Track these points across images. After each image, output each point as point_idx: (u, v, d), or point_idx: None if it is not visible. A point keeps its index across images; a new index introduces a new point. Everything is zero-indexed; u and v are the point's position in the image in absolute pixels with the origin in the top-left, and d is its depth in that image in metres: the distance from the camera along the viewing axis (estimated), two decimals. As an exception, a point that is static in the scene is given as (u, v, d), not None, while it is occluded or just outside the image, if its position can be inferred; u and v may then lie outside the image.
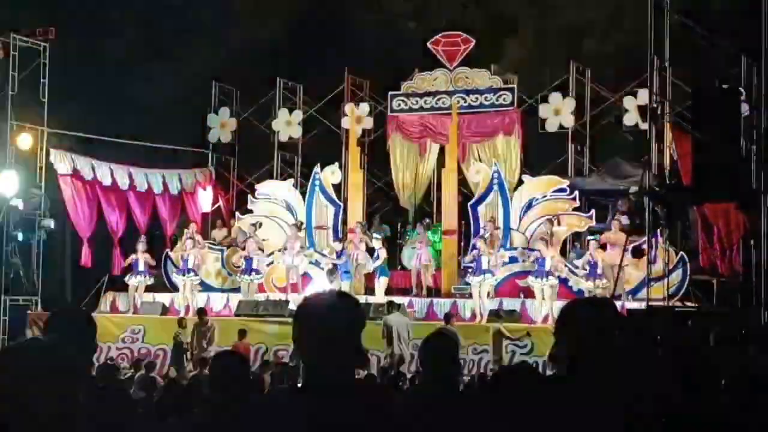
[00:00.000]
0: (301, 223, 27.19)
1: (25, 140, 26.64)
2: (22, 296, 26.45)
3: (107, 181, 27.83)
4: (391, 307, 22.51)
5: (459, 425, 4.46)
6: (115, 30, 29.14)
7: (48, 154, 26.96)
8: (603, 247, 23.92)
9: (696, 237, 23.51)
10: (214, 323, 23.27)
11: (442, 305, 24.27)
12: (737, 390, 5.76)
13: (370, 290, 25.84)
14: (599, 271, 23.44)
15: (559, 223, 25.15)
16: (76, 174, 27.14)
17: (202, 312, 23.74)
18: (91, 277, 27.55)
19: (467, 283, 24.94)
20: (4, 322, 25.88)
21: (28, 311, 25.92)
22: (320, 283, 25.77)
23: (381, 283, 25.57)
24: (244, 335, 22.55)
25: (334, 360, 3.77)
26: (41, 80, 27.24)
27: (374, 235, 26.24)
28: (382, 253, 25.93)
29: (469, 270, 24.71)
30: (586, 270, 23.86)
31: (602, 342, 4.46)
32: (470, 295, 24.62)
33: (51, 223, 27.02)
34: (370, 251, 25.87)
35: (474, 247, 24.87)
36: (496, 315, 23.07)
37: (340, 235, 27.36)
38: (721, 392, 5.80)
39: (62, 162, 26.97)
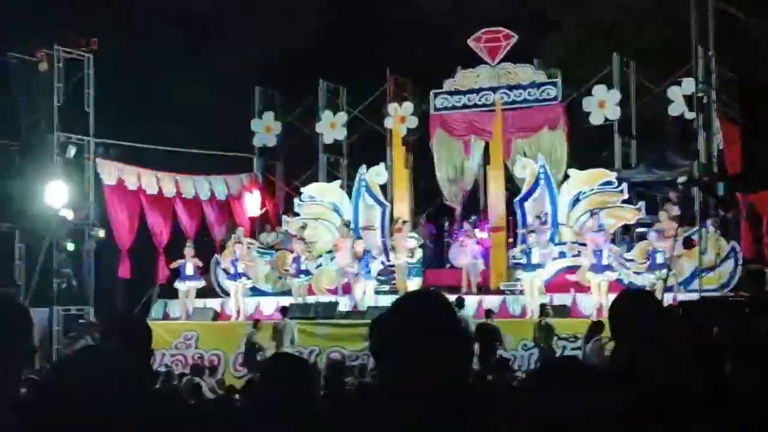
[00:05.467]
0: (348, 222, 27.25)
1: (72, 151, 26.86)
2: (74, 306, 26.65)
3: (152, 190, 27.88)
4: (459, 303, 22.42)
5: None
6: (158, 38, 29.26)
7: (95, 164, 27.14)
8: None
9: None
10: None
11: (492, 302, 24.19)
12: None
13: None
14: (659, 261, 23.16)
15: (598, 212, 24.92)
16: (120, 184, 27.25)
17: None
18: (142, 286, 27.72)
19: (517, 279, 24.87)
20: (57, 332, 26.06)
21: (81, 320, 26.12)
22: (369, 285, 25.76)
23: (414, 283, 25.46)
24: None
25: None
26: (86, 91, 27.45)
27: (410, 235, 26.17)
28: (417, 254, 25.90)
29: (519, 266, 24.63)
30: (639, 262, 23.66)
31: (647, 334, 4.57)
32: (521, 291, 24.54)
33: (101, 233, 27.22)
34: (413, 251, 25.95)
35: (524, 240, 24.78)
36: (543, 310, 22.89)
37: (387, 235, 27.42)
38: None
39: (108, 172, 27.10)
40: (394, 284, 26.27)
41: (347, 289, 25.92)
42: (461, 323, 3.85)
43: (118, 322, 6.00)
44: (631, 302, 5.05)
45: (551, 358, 20.69)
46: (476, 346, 21.16)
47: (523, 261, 24.39)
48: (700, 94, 22.35)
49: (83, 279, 27.09)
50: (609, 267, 23.46)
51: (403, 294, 4.04)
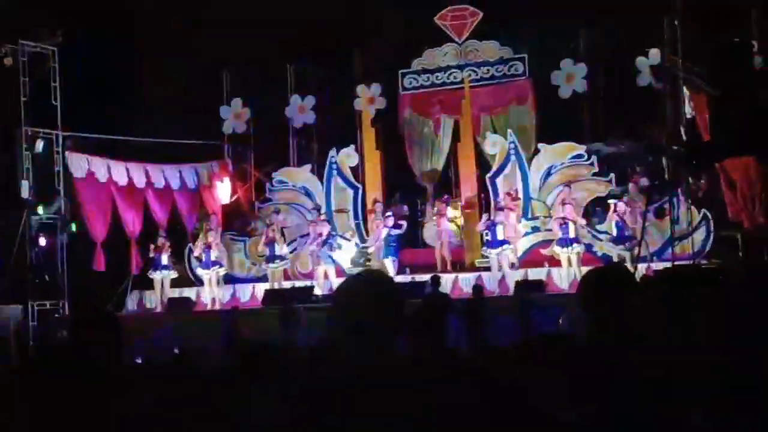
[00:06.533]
0: (319, 207, 27.22)
1: (40, 145, 26.69)
2: (49, 301, 26.52)
3: (123, 181, 27.71)
4: (435, 282, 22.40)
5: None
6: (123, 28, 29.08)
7: (64, 157, 26.97)
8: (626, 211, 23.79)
9: (721, 192, 23.36)
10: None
11: (468, 280, 24.23)
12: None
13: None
14: (627, 233, 23.29)
15: (570, 185, 25.03)
16: (90, 176, 27.10)
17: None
18: (117, 277, 27.60)
19: (485, 256, 24.92)
20: (33, 328, 25.93)
21: (56, 315, 26.00)
22: (343, 267, 25.79)
23: (390, 263, 25.42)
24: None
25: (370, 341, 3.75)
26: (52, 84, 27.25)
27: (387, 215, 26.13)
28: (392, 234, 25.76)
29: (486, 242, 24.69)
30: (613, 234, 23.78)
31: (619, 306, 4.61)
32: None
33: (72, 227, 27.10)
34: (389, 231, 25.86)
35: (490, 218, 24.83)
36: (523, 286, 22.92)
37: (360, 217, 27.42)
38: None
39: (78, 165, 26.94)
40: (369, 266, 26.25)
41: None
42: (401, 301, 3.89)
43: (86, 315, 5.96)
44: (600, 275, 5.07)
45: (527, 333, 20.77)
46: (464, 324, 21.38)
47: (489, 238, 24.47)
48: (666, 64, 22.38)
49: (57, 273, 26.97)
50: (576, 240, 23.57)
51: (345, 279, 4.05)
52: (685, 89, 23.17)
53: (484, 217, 25.42)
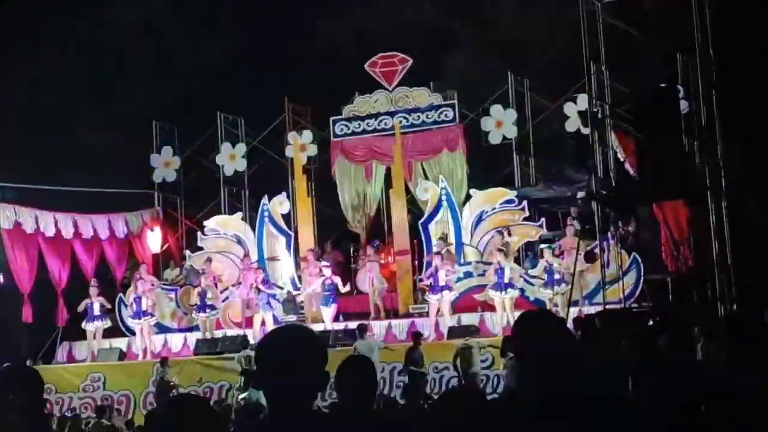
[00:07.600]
0: (246, 255, 27.06)
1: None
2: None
3: (50, 232, 27.36)
4: (362, 331, 22.28)
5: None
6: (52, 77, 28.86)
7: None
8: (560, 254, 23.97)
9: (652, 235, 23.58)
10: None
11: (401, 326, 24.19)
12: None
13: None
14: (557, 277, 23.46)
15: (510, 234, 25.18)
16: (17, 228, 26.71)
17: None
18: (46, 329, 27.18)
19: (426, 302, 24.86)
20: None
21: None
22: (277, 315, 25.65)
23: (327, 311, 25.31)
24: None
25: (293, 392, 3.74)
26: (-23, 133, 26.89)
27: (324, 264, 26.05)
28: (327, 282, 25.65)
29: (427, 288, 24.63)
30: (543, 278, 23.90)
31: (549, 354, 4.57)
32: (428, 314, 24.55)
33: (0, 278, 26.68)
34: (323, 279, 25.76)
35: (429, 264, 24.82)
36: (464, 331, 22.86)
37: (294, 265, 27.29)
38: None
39: (5, 216, 26.56)
40: (303, 314, 26.14)
41: (252, 322, 25.68)
42: (321, 354, 3.91)
43: (4, 374, 5.87)
44: (529, 324, 5.01)
45: (472, 382, 20.70)
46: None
47: (431, 282, 24.45)
48: (594, 110, 22.63)
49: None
50: (510, 284, 23.63)
51: (270, 331, 4.11)
52: (612, 134, 23.40)
53: (427, 265, 25.34)
